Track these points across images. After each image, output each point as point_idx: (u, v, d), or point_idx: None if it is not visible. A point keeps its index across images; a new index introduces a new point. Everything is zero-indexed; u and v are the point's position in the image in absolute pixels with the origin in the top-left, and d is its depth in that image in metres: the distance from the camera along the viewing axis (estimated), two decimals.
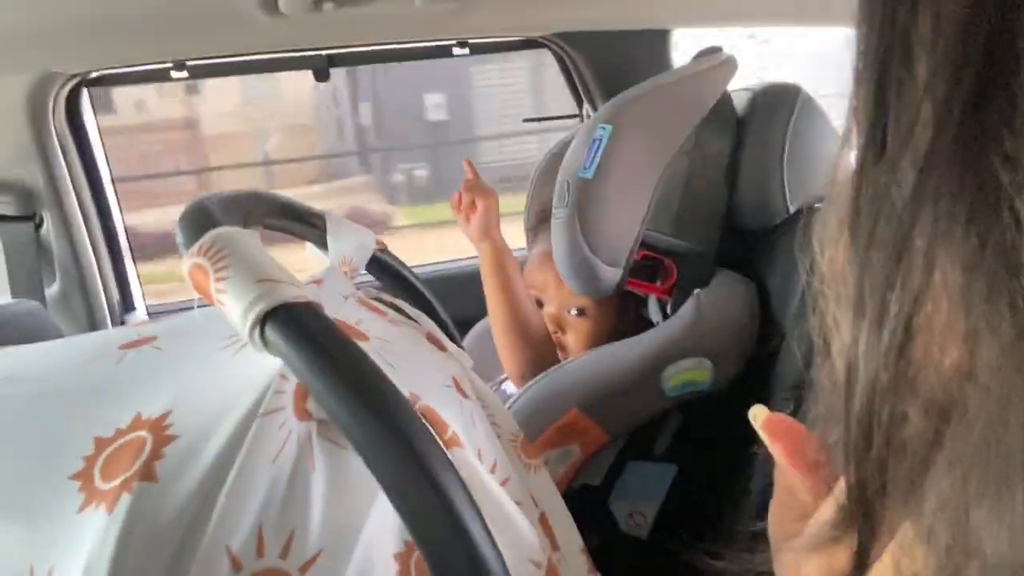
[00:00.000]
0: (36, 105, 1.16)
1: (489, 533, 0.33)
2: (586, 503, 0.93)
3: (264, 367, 0.39)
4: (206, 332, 0.45)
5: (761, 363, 0.93)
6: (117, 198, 1.36)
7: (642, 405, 0.89)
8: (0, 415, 0.41)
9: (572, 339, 1.00)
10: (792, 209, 0.95)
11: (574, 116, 1.35)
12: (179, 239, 0.41)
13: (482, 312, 1.19)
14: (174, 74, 1.23)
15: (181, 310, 1.43)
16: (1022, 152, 0.15)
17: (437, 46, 1.28)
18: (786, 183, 0.95)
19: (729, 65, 0.96)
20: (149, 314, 1.42)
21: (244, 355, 0.41)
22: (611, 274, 0.91)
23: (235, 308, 0.36)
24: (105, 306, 1.31)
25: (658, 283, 1.00)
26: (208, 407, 0.38)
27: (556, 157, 1.19)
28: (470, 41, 1.25)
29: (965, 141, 0.16)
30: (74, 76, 1.19)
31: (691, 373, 0.89)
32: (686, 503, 0.97)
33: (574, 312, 0.99)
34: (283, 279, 0.36)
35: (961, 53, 0.16)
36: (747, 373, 0.94)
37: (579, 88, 1.29)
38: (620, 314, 1.02)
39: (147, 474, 0.36)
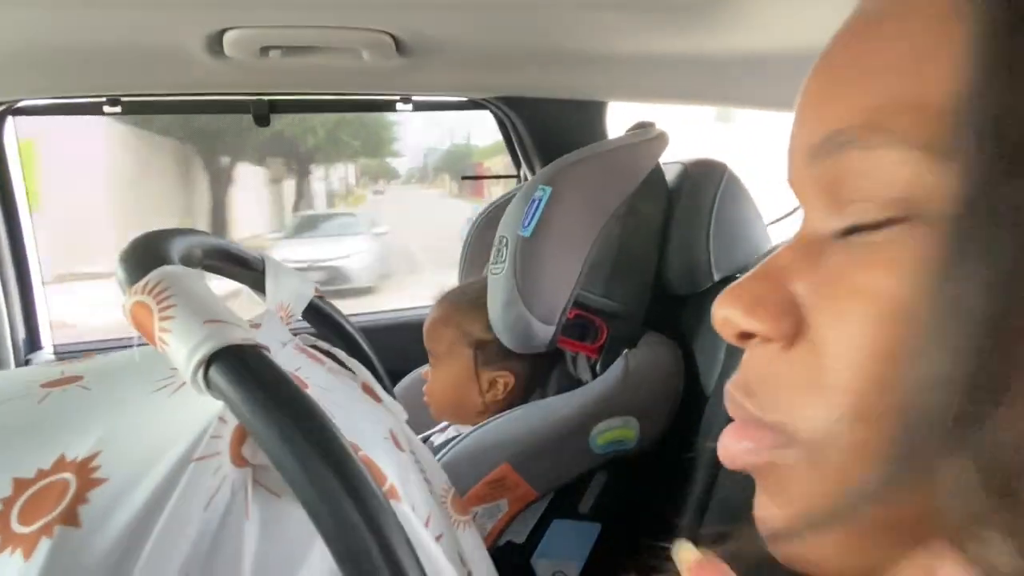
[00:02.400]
0: None
1: None
2: (510, 560, 0.92)
3: (202, 410, 0.38)
4: (138, 372, 0.44)
5: (685, 424, 0.96)
6: (33, 231, 1.30)
7: (570, 462, 0.90)
8: None
9: (428, 388, 1.03)
10: (717, 277, 1.00)
11: (512, 176, 1.38)
12: (120, 275, 0.40)
13: (414, 364, 1.19)
14: (107, 109, 1.20)
15: (93, 350, 1.36)
16: None
17: (381, 100, 1.30)
18: (712, 253, 1.00)
19: (662, 139, 1.02)
20: (57, 354, 1.35)
21: (180, 397, 0.40)
22: (544, 331, 0.93)
23: (180, 349, 0.35)
24: (9, 344, 1.24)
25: (588, 342, 1.02)
26: (139, 450, 0.37)
27: (490, 217, 1.22)
28: (414, 98, 1.28)
29: None
30: None
31: (619, 431, 0.91)
32: (609, 562, 0.98)
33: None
34: (230, 320, 0.36)
35: None
36: (672, 433, 0.97)
37: (518, 150, 1.33)
38: (465, 378, 1.02)
39: (70, 518, 0.34)
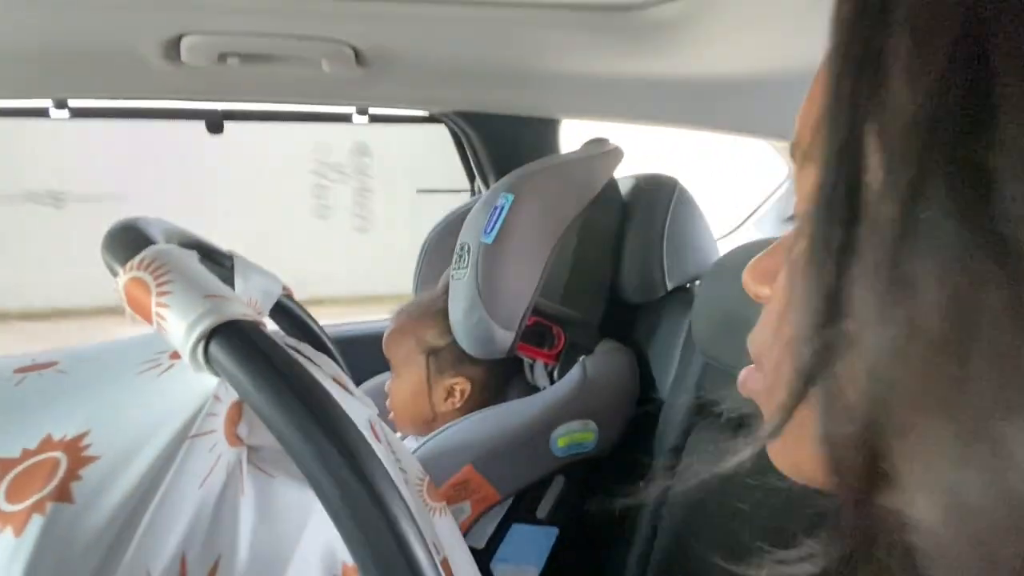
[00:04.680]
0: None
1: (431, 556, 0.34)
2: None
3: (195, 388, 0.38)
4: (118, 358, 0.43)
5: (641, 428, 0.98)
6: None
7: (533, 463, 0.91)
8: None
9: (390, 398, 1.04)
10: (670, 287, 1.04)
11: (466, 190, 1.40)
12: (109, 257, 0.40)
13: (372, 374, 1.18)
14: (53, 113, 1.17)
15: None
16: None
17: (337, 112, 1.30)
18: (665, 263, 1.04)
19: (617, 153, 1.06)
20: None
21: (168, 378, 0.40)
22: (504, 336, 0.94)
23: (179, 324, 0.35)
24: None
25: (546, 349, 1.04)
26: (131, 428, 0.37)
27: (445, 230, 1.24)
28: (370, 111, 1.29)
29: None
30: None
31: (578, 434, 0.93)
32: (567, 567, 0.99)
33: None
34: (229, 296, 0.36)
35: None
36: (628, 437, 0.99)
37: (472, 164, 1.35)
38: (422, 386, 1.03)
39: (63, 495, 0.34)
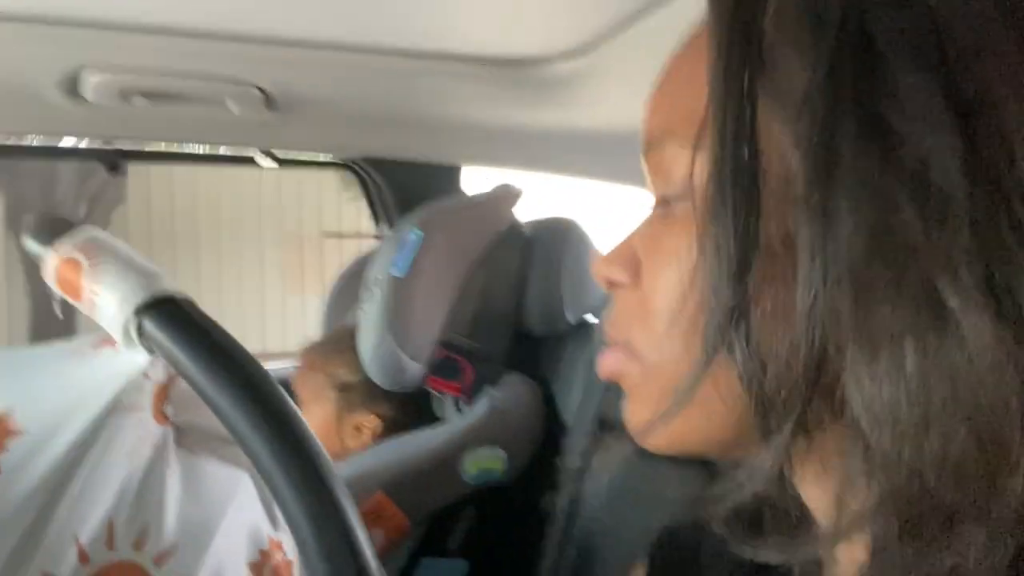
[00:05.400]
0: None
1: (356, 510, 0.36)
2: None
3: (121, 369, 0.39)
4: (39, 352, 0.43)
5: (548, 458, 1.02)
6: None
7: (443, 489, 0.93)
8: None
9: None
10: (571, 320, 1.09)
11: (371, 235, 1.43)
12: (36, 243, 0.40)
13: None
14: None
15: None
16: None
17: (242, 156, 1.31)
18: (565, 298, 1.10)
19: (518, 196, 1.12)
20: None
21: (94, 362, 0.40)
22: (413, 368, 0.97)
23: (111, 300, 0.36)
24: None
25: (454, 382, 1.06)
26: (55, 406, 0.37)
27: (352, 273, 1.26)
28: (276, 153, 1.30)
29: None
30: None
31: (488, 461, 0.95)
32: None
33: None
34: (161, 274, 0.38)
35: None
36: (535, 466, 1.02)
37: (379, 210, 1.38)
38: (331, 423, 1.04)
39: None
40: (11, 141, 1.17)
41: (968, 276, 0.20)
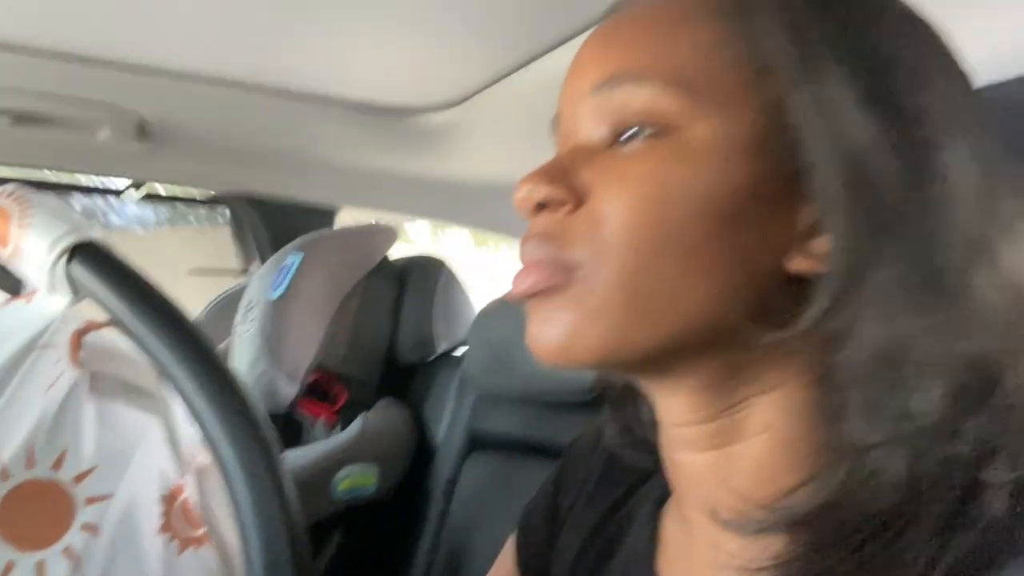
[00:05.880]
0: None
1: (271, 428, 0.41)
2: None
3: (41, 312, 0.42)
4: None
5: (417, 478, 1.06)
6: None
7: (312, 507, 0.94)
8: None
9: None
10: (441, 350, 1.16)
11: (241, 271, 1.43)
12: None
13: None
14: None
15: None
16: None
17: (106, 188, 1.29)
18: (435, 329, 1.16)
19: (393, 233, 1.19)
20: None
21: (10, 308, 0.43)
22: (288, 389, 0.99)
23: (40, 244, 0.40)
24: None
25: (328, 404, 1.09)
26: None
27: (220, 307, 1.26)
28: (147, 186, 1.29)
29: None
30: None
31: (359, 477, 0.98)
32: None
33: None
34: (87, 224, 0.41)
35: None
36: (404, 488, 1.06)
37: (252, 246, 1.39)
38: None
39: None
40: None
41: None
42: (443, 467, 1.01)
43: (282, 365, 0.97)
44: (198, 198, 1.37)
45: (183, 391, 0.39)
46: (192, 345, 0.39)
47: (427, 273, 1.22)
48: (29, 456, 0.37)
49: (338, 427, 1.08)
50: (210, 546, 0.43)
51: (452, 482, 0.97)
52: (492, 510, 0.88)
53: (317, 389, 1.07)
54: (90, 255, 0.40)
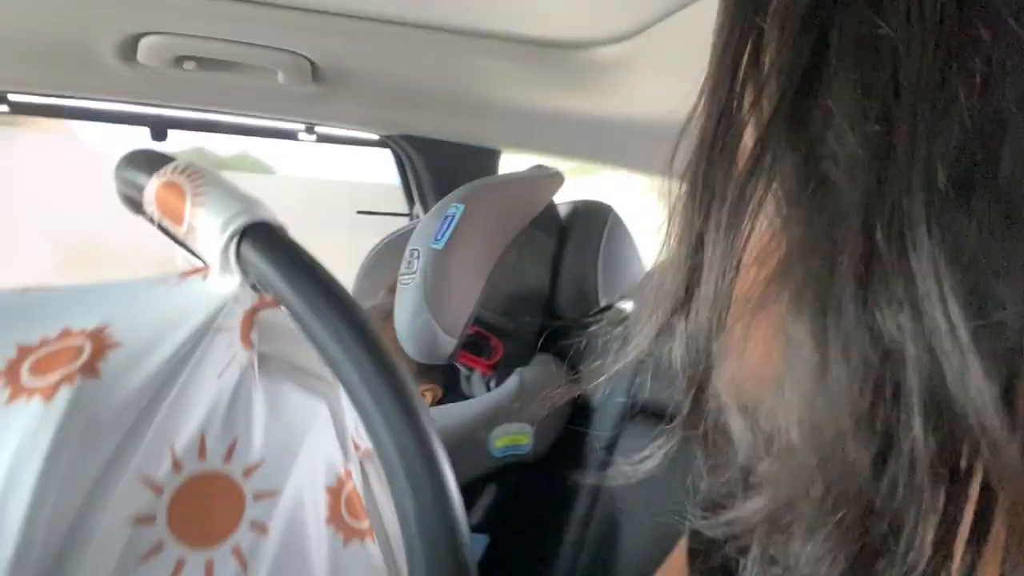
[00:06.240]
0: None
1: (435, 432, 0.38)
2: None
3: (213, 293, 0.40)
4: (126, 282, 0.45)
5: (574, 434, 1.03)
6: None
7: (469, 463, 0.94)
8: None
9: None
10: (603, 303, 1.10)
11: (405, 214, 1.45)
12: (131, 169, 0.42)
13: None
14: None
15: None
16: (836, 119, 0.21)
17: (283, 128, 1.33)
18: (599, 282, 1.11)
19: (558, 178, 1.13)
20: None
21: (182, 289, 0.42)
22: (447, 342, 0.98)
23: (213, 222, 0.38)
24: None
25: (484, 359, 1.08)
26: (151, 324, 0.39)
27: (382, 251, 1.27)
28: (316, 129, 1.32)
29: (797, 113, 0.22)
30: None
31: (515, 436, 0.97)
32: (496, 574, 1.01)
33: None
34: (260, 202, 0.39)
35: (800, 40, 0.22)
36: (560, 446, 1.03)
37: (413, 189, 1.40)
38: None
39: (90, 371, 0.35)
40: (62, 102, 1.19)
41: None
42: (600, 432, 0.97)
43: (442, 316, 0.96)
44: (365, 140, 1.38)
45: (348, 384, 0.36)
46: (360, 337, 0.37)
47: (592, 220, 1.16)
48: (201, 446, 0.36)
49: (493, 381, 1.06)
50: (373, 539, 0.41)
51: (609, 449, 0.93)
52: (653, 484, 0.83)
53: (474, 342, 1.06)
54: (260, 236, 0.38)
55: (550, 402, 1.03)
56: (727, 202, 0.24)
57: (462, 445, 0.93)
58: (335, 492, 0.40)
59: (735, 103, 0.25)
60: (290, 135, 1.32)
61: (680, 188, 0.27)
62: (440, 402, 1.07)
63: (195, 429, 0.36)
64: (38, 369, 0.35)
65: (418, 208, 1.41)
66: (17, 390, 0.34)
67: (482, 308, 1.03)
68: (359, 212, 1.41)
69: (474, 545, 1.01)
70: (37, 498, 0.31)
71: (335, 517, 0.40)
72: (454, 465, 0.98)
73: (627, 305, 1.13)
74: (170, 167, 0.40)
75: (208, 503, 0.35)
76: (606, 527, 0.93)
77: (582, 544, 0.94)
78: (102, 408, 0.35)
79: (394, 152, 1.38)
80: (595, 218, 1.14)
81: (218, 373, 0.38)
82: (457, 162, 1.34)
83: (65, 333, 0.38)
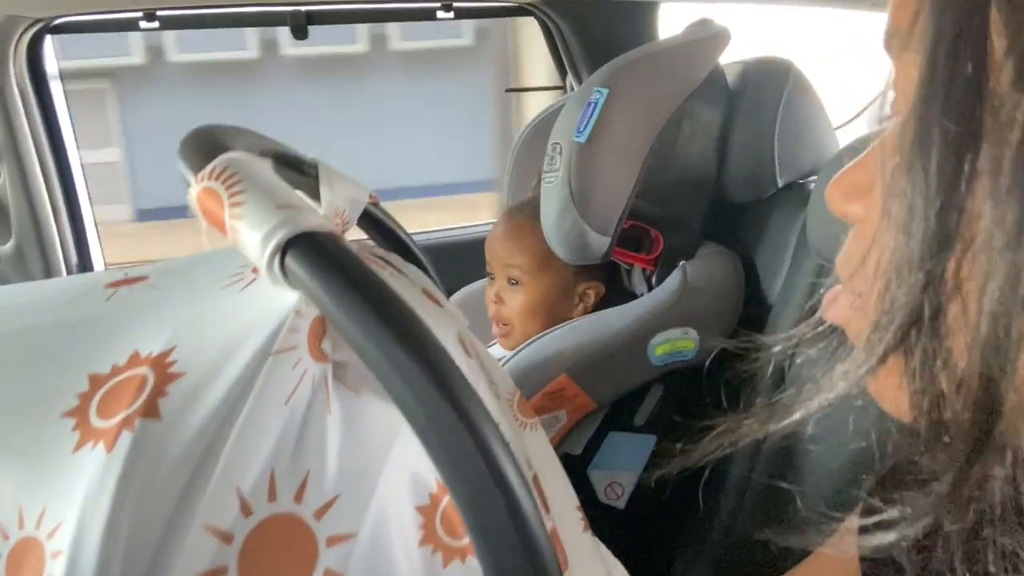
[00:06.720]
0: None
1: (522, 475, 0.32)
2: (566, 472, 0.92)
3: (276, 303, 0.36)
4: (205, 270, 0.42)
5: (746, 340, 0.93)
6: (78, 151, 1.29)
7: (629, 373, 0.89)
8: None
9: (508, 310, 0.98)
10: (781, 183, 0.95)
11: (558, 87, 1.33)
12: (183, 166, 0.38)
13: (461, 284, 1.17)
14: (143, 24, 1.17)
15: None
16: None
17: (420, 8, 1.24)
18: (776, 158, 0.95)
19: (722, 37, 0.96)
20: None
21: (252, 292, 0.38)
22: (599, 241, 0.90)
23: (252, 236, 0.33)
24: (63, 264, 1.25)
25: (644, 254, 0.99)
26: (215, 345, 0.36)
27: (537, 130, 1.18)
28: (455, 4, 1.22)
29: None
30: (37, 21, 1.12)
31: (678, 342, 0.89)
32: (664, 475, 0.98)
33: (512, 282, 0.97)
34: (304, 207, 0.34)
35: None
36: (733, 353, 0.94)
37: (564, 59, 1.27)
38: (561, 292, 0.99)
39: (150, 411, 0.33)
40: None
41: None
42: (777, 332, 0.86)
43: (591, 216, 0.88)
44: (506, 9, 1.25)
45: (406, 412, 0.31)
46: (421, 359, 0.31)
47: (767, 83, 0.98)
48: (271, 486, 0.33)
49: (655, 277, 0.98)
50: (474, 555, 0.37)
51: (790, 357, 0.83)
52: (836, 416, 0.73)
53: (632, 236, 0.97)
54: (306, 249, 0.33)
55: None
56: (1008, 178, 0.18)
57: (620, 355, 0.87)
58: (428, 511, 0.37)
59: (981, 25, 0.19)
60: (429, 15, 1.23)
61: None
62: (603, 300, 1.01)
63: (262, 466, 0.34)
64: (105, 407, 0.34)
65: (571, 80, 1.29)
66: (86, 434, 0.33)
67: (637, 199, 0.93)
68: (507, 90, 1.32)
69: (641, 446, 0.99)
70: (103, 560, 0.30)
71: (430, 537, 0.37)
72: (613, 375, 0.93)
73: (811, 182, 0.96)
74: (207, 170, 0.35)
75: (280, 552, 0.33)
76: (789, 440, 0.85)
77: (758, 452, 0.87)
78: (162, 454, 0.33)
79: (539, 20, 1.24)
80: (771, 80, 0.96)
81: (285, 399, 0.35)
82: (608, 24, 1.19)
83: (134, 358, 0.36)
